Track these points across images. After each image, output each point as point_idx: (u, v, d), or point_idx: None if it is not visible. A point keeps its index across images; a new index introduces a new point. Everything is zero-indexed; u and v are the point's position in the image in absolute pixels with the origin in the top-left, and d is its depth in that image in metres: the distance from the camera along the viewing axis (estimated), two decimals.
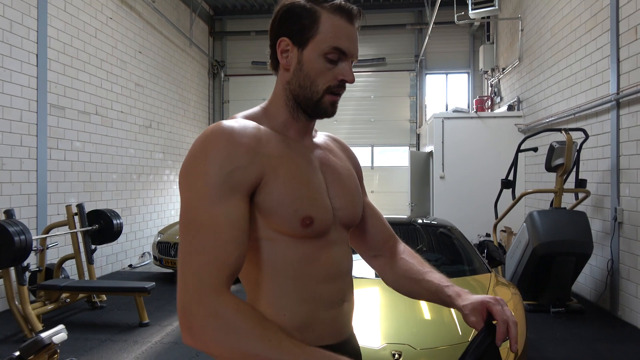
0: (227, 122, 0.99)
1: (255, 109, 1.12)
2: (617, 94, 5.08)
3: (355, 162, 1.32)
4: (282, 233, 1.01)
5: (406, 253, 1.32)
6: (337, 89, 1.06)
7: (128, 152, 7.85)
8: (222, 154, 0.93)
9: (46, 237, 5.23)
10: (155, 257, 7.01)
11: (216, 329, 0.84)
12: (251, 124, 1.03)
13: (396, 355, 2.63)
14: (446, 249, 4.42)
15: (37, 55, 5.75)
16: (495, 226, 6.33)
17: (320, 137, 1.23)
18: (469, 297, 1.09)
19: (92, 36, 6.92)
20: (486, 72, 10.51)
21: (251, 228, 0.99)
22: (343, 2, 1.06)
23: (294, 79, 1.06)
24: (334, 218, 1.09)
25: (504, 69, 9.50)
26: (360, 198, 1.21)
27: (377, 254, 1.33)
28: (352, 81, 1.07)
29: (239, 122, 1.01)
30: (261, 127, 1.04)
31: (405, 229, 4.67)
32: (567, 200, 5.80)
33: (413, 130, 11.45)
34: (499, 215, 6.24)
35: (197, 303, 0.85)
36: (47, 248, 5.36)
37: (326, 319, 1.07)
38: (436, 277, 1.20)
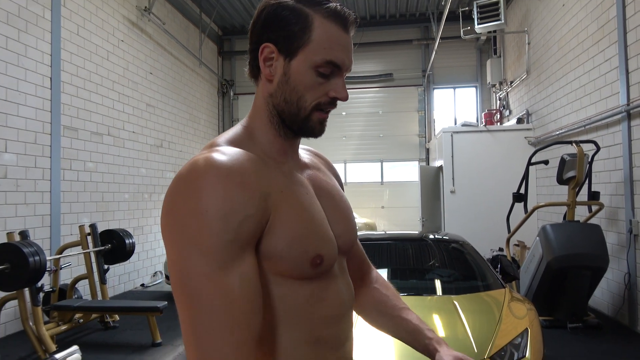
0: (216, 157, 0.80)
1: (236, 129, 0.98)
2: (628, 105, 5.06)
3: (338, 177, 1.20)
4: (287, 277, 0.87)
5: (379, 282, 1.24)
6: (327, 107, 0.93)
7: (139, 171, 7.93)
8: (224, 203, 0.76)
9: (60, 257, 5.28)
10: (167, 276, 7.02)
11: None
12: (242, 155, 0.85)
13: None
14: (459, 264, 4.38)
15: (51, 78, 5.88)
16: (508, 240, 6.27)
17: (304, 155, 1.10)
18: (450, 351, 1.04)
19: (104, 59, 7.06)
20: (494, 85, 10.52)
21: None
22: (339, 7, 0.90)
23: (279, 92, 0.92)
24: (338, 248, 0.98)
25: (512, 82, 9.50)
26: (354, 219, 1.11)
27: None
28: (345, 99, 0.93)
29: (228, 154, 0.83)
30: (251, 155, 0.88)
31: (417, 245, 4.65)
32: (580, 213, 5.74)
33: (422, 145, 11.44)
34: (512, 229, 6.19)
35: None
36: (61, 268, 5.40)
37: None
38: (413, 317, 1.14)
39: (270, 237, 0.83)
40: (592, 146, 5.48)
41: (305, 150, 1.13)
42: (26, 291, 4.40)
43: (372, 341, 2.92)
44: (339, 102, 0.96)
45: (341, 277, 1.02)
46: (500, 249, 7.12)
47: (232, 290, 0.75)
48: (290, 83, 0.90)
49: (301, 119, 0.93)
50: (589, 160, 5.43)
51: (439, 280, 4.03)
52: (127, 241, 5.60)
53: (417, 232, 5.60)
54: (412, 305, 3.51)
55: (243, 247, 0.78)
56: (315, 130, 0.95)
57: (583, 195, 5.68)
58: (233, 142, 0.91)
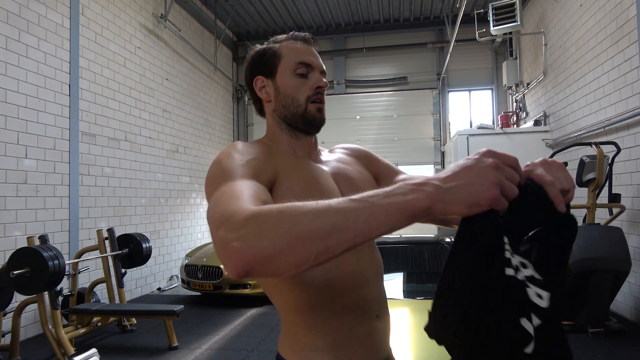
0: (239, 141, 1.12)
1: (261, 138, 1.23)
2: None
3: (366, 157, 1.31)
4: None
5: None
6: (316, 97, 1.15)
7: (156, 176, 8.01)
8: (240, 151, 1.01)
9: (78, 261, 5.35)
10: (183, 280, 7.06)
11: (255, 229, 0.68)
12: (260, 140, 1.18)
13: None
14: None
15: (69, 85, 5.98)
16: None
17: (326, 154, 1.29)
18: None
19: (121, 65, 7.16)
20: (510, 87, 10.41)
21: None
22: (296, 33, 1.20)
23: (278, 104, 1.16)
24: None
25: (528, 84, 9.39)
26: None
27: None
28: (325, 85, 1.16)
29: (249, 141, 1.14)
30: (270, 146, 1.15)
31: (433, 248, 4.60)
32: (600, 216, 5.62)
33: (437, 148, 11.36)
34: None
35: (230, 222, 0.72)
36: (79, 272, 5.47)
37: (360, 335, 1.05)
38: None
39: (280, 196, 1.00)
40: (612, 148, 5.37)
41: (340, 148, 1.34)
42: (45, 295, 4.46)
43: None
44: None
45: (361, 249, 1.10)
46: None
47: (240, 185, 0.86)
48: (281, 92, 1.15)
49: (301, 114, 1.14)
50: (609, 162, 5.33)
51: None
52: (144, 245, 5.64)
53: (432, 236, 5.55)
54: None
55: (252, 172, 0.94)
56: (316, 117, 1.15)
57: (603, 198, 5.56)
58: (256, 141, 1.18)
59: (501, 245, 0.66)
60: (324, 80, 1.16)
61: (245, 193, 0.82)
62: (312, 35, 1.21)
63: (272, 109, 1.18)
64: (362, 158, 1.31)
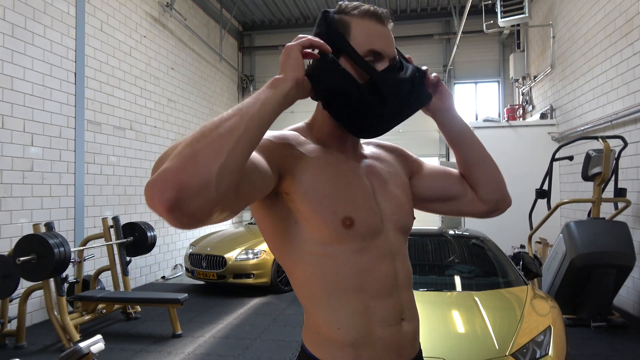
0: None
1: (300, 123, 1.15)
2: None
3: (401, 155, 1.29)
4: (330, 244, 1.00)
5: None
6: None
7: None
8: (274, 134, 1.01)
9: (83, 249, 5.39)
10: (187, 269, 7.10)
11: (176, 154, 0.74)
12: (292, 132, 1.08)
13: None
14: (479, 261, 4.32)
15: (75, 73, 5.98)
16: (530, 237, 6.16)
17: (367, 148, 1.23)
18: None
19: (127, 54, 7.15)
20: (517, 80, 10.32)
21: (303, 242, 1.01)
22: (371, 7, 1.05)
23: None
24: (384, 222, 1.07)
25: (535, 77, 9.31)
26: (410, 202, 1.20)
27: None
28: None
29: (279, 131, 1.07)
30: (301, 136, 1.08)
31: (437, 241, 4.61)
32: (605, 211, 5.60)
33: (442, 141, 11.30)
34: (534, 226, 6.08)
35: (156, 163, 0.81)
36: (85, 260, 5.51)
37: (383, 336, 1.04)
38: None
39: (296, 187, 0.98)
40: (619, 142, 5.33)
41: (371, 143, 1.27)
42: (51, 281, 4.50)
43: None
44: None
45: (397, 255, 1.10)
46: (522, 246, 7.02)
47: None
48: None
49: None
50: (616, 156, 5.29)
51: (459, 277, 3.99)
52: (148, 234, 5.67)
53: (436, 228, 5.55)
54: (432, 300, 3.49)
55: (266, 156, 0.94)
56: None
57: (609, 192, 5.54)
58: (292, 129, 1.11)
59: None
60: None
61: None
62: (388, 12, 1.09)
63: None
64: (398, 157, 1.28)
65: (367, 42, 1.02)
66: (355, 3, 1.06)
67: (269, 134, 1.00)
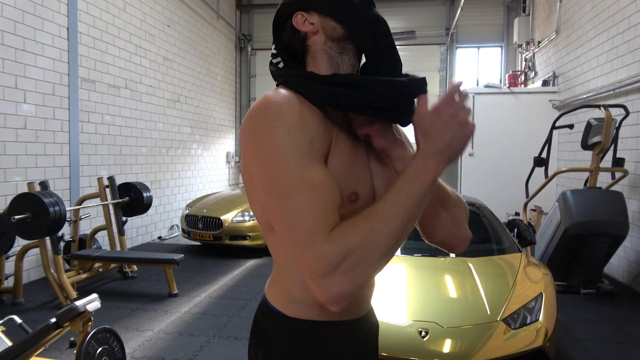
0: (288, 92, 0.96)
1: (285, 92, 1.01)
2: None
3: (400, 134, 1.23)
4: None
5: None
6: None
7: (157, 126, 7.94)
8: (299, 121, 0.90)
9: (79, 208, 5.38)
10: (183, 230, 7.14)
11: (351, 266, 0.81)
12: (304, 110, 0.95)
13: (423, 333, 2.62)
14: (474, 227, 4.31)
15: (67, 28, 5.81)
16: (525, 205, 6.18)
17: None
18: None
19: (121, 9, 6.93)
20: (520, 45, 10.12)
21: None
22: None
23: (328, 29, 1.03)
24: (376, 198, 1.05)
25: (539, 43, 9.13)
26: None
27: None
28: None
29: (296, 95, 0.97)
30: (308, 110, 0.96)
31: None
32: (602, 180, 5.61)
33: None
34: (530, 194, 6.09)
35: (316, 265, 0.81)
36: (80, 219, 5.51)
37: None
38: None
39: (330, 162, 0.95)
40: (620, 111, 5.27)
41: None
42: (47, 240, 4.52)
43: (386, 299, 2.94)
44: None
45: None
46: (517, 214, 7.05)
47: (313, 180, 0.86)
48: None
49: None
50: (617, 125, 5.25)
51: None
52: (144, 194, 5.66)
53: None
54: (426, 265, 3.51)
55: (317, 157, 0.90)
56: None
57: (606, 162, 5.52)
58: (290, 103, 0.96)
59: None
60: None
61: (322, 207, 0.85)
62: None
63: (323, 41, 1.04)
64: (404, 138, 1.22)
65: None
66: None
67: (300, 132, 0.90)
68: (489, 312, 2.78)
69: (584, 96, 6.65)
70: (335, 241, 0.81)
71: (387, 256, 0.86)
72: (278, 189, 0.86)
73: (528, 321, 2.79)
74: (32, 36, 5.29)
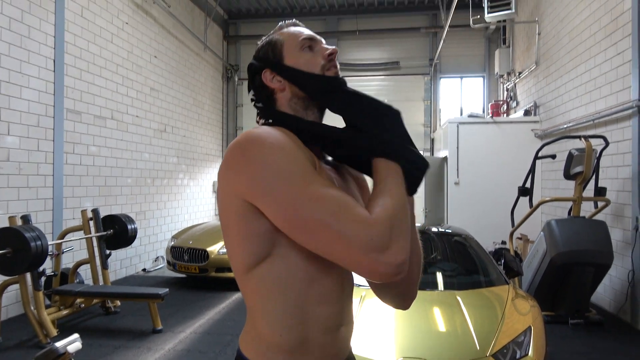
0: (266, 127, 1.05)
1: (271, 129, 1.11)
2: (639, 100, 4.96)
3: (365, 187, 1.32)
4: (290, 248, 1.00)
5: None
6: (330, 64, 1.13)
7: (143, 156, 7.90)
8: (293, 145, 1.00)
9: (62, 242, 5.28)
10: (168, 262, 7.02)
11: (398, 233, 0.92)
12: (296, 141, 1.07)
13: None
14: (461, 258, 4.35)
15: (54, 60, 5.81)
16: (511, 234, 6.23)
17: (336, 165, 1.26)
18: None
19: (108, 41, 6.98)
20: (502, 76, 10.38)
21: (266, 243, 1.00)
22: (284, 22, 1.22)
23: (293, 88, 1.13)
24: None
25: (520, 73, 9.37)
26: None
27: None
28: (335, 50, 1.15)
29: (274, 128, 1.06)
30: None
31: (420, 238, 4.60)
32: (586, 209, 5.68)
33: (427, 135, 11.35)
34: (516, 223, 6.14)
35: (375, 242, 0.88)
36: (63, 252, 5.40)
37: (322, 342, 1.07)
38: None
39: None
40: (600, 141, 5.39)
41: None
42: (28, 275, 4.40)
43: (374, 334, 2.91)
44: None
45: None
46: (503, 242, 7.09)
47: (330, 185, 0.97)
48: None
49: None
50: (597, 155, 5.36)
51: (441, 274, 4.00)
52: (129, 226, 5.58)
53: (419, 225, 5.56)
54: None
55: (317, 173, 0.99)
56: (337, 75, 1.15)
57: (589, 191, 5.61)
58: (282, 133, 1.05)
59: None
60: (332, 47, 1.15)
61: (349, 202, 0.93)
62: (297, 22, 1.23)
63: (289, 98, 1.14)
64: (362, 185, 1.31)
65: (297, 36, 1.15)
66: (274, 29, 1.22)
67: (300, 157, 0.99)
68: (478, 347, 2.75)
69: (565, 126, 6.81)
70: (377, 219, 0.91)
71: (408, 223, 0.98)
72: (307, 197, 0.91)
73: (518, 356, 2.77)
74: (18, 68, 5.28)
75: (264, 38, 1.21)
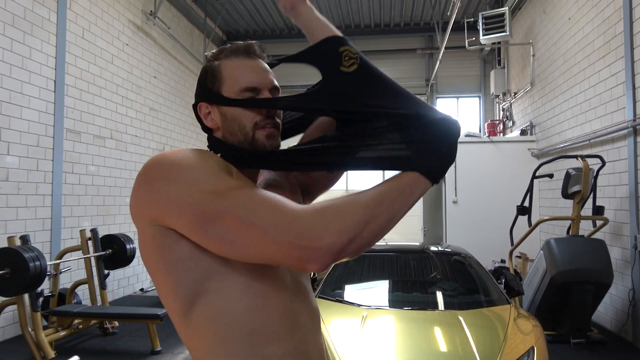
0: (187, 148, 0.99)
1: (204, 150, 1.06)
2: (634, 120, 5.04)
3: (292, 179, 1.22)
4: (229, 274, 0.91)
5: None
6: (265, 122, 1.01)
7: None
8: (208, 160, 0.94)
9: (60, 262, 5.24)
10: None
11: (334, 226, 0.83)
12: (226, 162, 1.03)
13: None
14: (461, 278, 4.34)
15: (55, 81, 5.86)
16: (511, 253, 6.23)
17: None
18: None
19: (108, 62, 7.04)
20: (497, 96, 10.51)
21: (193, 270, 0.90)
22: (238, 44, 1.06)
23: (226, 132, 1.02)
24: None
25: (515, 94, 9.50)
26: None
27: None
28: (274, 111, 1.03)
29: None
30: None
31: (418, 257, 4.60)
32: (584, 228, 5.71)
33: None
34: (515, 242, 6.15)
35: (299, 228, 0.82)
36: (61, 272, 5.35)
37: None
38: None
39: None
40: (597, 160, 5.45)
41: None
42: (25, 296, 4.36)
43: (376, 355, 2.89)
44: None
45: (295, 289, 1.03)
46: (502, 261, 7.09)
47: (250, 190, 0.90)
48: (228, 118, 1.01)
49: (249, 142, 1.00)
50: (594, 174, 5.41)
51: (441, 294, 3.98)
52: (127, 246, 5.55)
53: (418, 244, 5.56)
54: (415, 318, 3.47)
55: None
56: (266, 145, 1.01)
57: (587, 210, 5.65)
58: (215, 157, 1.02)
59: None
60: (277, 97, 1.04)
61: (269, 197, 0.87)
62: (259, 44, 1.07)
63: (221, 138, 1.04)
64: (290, 178, 1.22)
65: (239, 79, 1.01)
66: (228, 45, 1.06)
67: (208, 165, 0.92)
68: None
69: (561, 145, 6.88)
70: (307, 209, 0.85)
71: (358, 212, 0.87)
72: (222, 193, 0.86)
73: None
74: (19, 89, 5.31)
75: (208, 57, 1.08)
